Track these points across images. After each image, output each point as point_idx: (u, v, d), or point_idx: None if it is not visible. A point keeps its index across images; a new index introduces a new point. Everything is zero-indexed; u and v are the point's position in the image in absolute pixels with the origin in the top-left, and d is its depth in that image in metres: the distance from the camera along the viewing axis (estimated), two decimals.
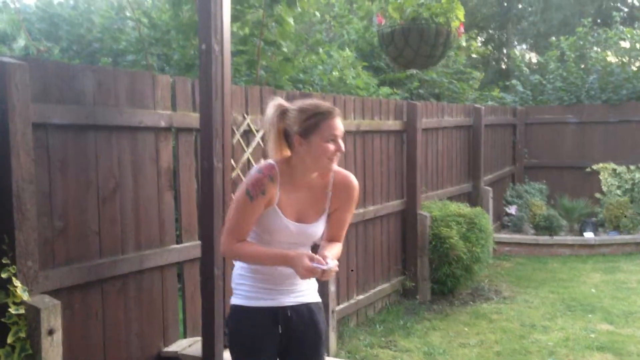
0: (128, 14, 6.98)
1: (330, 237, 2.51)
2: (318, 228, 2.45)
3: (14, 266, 2.48)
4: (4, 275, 2.46)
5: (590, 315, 5.74)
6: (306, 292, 2.49)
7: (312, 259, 2.21)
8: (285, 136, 2.37)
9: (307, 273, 2.21)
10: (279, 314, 2.41)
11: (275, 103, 2.37)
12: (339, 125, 2.34)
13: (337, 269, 2.27)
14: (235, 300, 2.45)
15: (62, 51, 7.15)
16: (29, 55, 6.22)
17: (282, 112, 2.35)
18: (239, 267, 2.47)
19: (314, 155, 2.32)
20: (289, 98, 4.53)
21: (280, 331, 2.41)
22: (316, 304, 2.52)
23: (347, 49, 8.41)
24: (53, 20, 7.79)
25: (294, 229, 2.37)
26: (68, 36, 7.55)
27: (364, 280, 5.67)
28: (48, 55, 6.49)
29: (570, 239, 8.55)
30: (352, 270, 5.31)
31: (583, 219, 8.86)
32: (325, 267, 2.21)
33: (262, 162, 2.38)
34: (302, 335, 2.45)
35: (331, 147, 2.32)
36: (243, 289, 2.43)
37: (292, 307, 2.43)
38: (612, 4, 19.34)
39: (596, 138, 9.80)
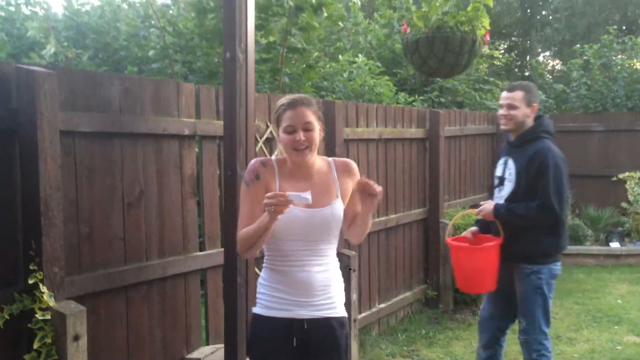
0: (153, 22, 7.05)
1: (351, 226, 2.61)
2: (333, 211, 2.39)
3: (40, 272, 2.51)
4: (30, 281, 2.48)
5: (616, 327, 5.64)
6: (328, 305, 2.43)
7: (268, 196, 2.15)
8: None
9: (268, 208, 2.13)
10: (293, 326, 2.37)
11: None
12: (300, 115, 2.32)
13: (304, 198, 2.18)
14: (254, 309, 2.46)
15: (89, 58, 7.25)
16: (57, 62, 6.31)
17: None
18: (261, 276, 2.48)
19: (283, 147, 2.39)
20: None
21: (295, 344, 2.38)
22: (338, 319, 2.45)
23: (370, 57, 8.41)
24: (80, 28, 7.91)
25: (303, 215, 2.32)
26: (94, 44, 7.65)
27: (386, 289, 5.64)
28: (77, 62, 6.57)
29: (595, 248, 8.41)
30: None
31: (609, 228, 8.72)
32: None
33: None
34: (320, 351, 2.40)
35: (290, 137, 2.33)
36: (262, 297, 2.43)
37: (309, 320, 2.38)
38: (637, 11, 19.09)
39: (622, 146, 9.64)
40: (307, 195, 2.15)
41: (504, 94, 3.77)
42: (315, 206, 2.35)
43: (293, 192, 2.22)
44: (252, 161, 2.46)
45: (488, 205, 3.71)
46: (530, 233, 3.61)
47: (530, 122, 3.74)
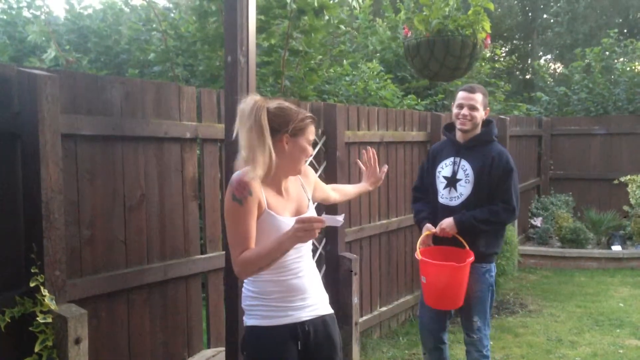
0: (155, 26, 7.08)
1: (333, 188, 2.91)
2: (312, 214, 2.49)
3: (42, 275, 2.51)
4: (32, 284, 2.48)
5: (618, 330, 5.63)
6: (318, 304, 2.49)
7: (300, 221, 2.09)
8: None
9: (304, 233, 2.07)
10: (298, 330, 2.39)
11: (255, 98, 2.30)
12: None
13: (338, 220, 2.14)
14: (251, 322, 2.42)
15: (90, 62, 7.28)
16: (58, 66, 6.33)
17: (264, 109, 2.28)
18: (248, 289, 2.45)
19: (296, 156, 2.36)
20: (313, 109, 4.54)
21: (299, 347, 2.39)
22: (329, 315, 2.53)
23: (373, 61, 8.41)
24: (82, 32, 7.94)
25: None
26: (96, 47, 7.67)
27: (387, 292, 5.64)
28: (77, 66, 6.59)
29: (597, 252, 8.40)
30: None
31: (611, 231, 8.71)
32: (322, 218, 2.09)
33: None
34: (319, 349, 2.45)
35: (309, 149, 2.40)
36: (258, 309, 2.40)
37: (309, 322, 2.43)
38: (639, 15, 19.10)
39: (624, 149, 9.65)
40: (341, 217, 2.12)
41: (464, 94, 3.72)
42: (302, 212, 2.45)
43: (283, 205, 2.36)
44: (238, 175, 2.28)
45: (448, 221, 3.65)
46: (487, 233, 3.68)
47: (480, 125, 3.79)
